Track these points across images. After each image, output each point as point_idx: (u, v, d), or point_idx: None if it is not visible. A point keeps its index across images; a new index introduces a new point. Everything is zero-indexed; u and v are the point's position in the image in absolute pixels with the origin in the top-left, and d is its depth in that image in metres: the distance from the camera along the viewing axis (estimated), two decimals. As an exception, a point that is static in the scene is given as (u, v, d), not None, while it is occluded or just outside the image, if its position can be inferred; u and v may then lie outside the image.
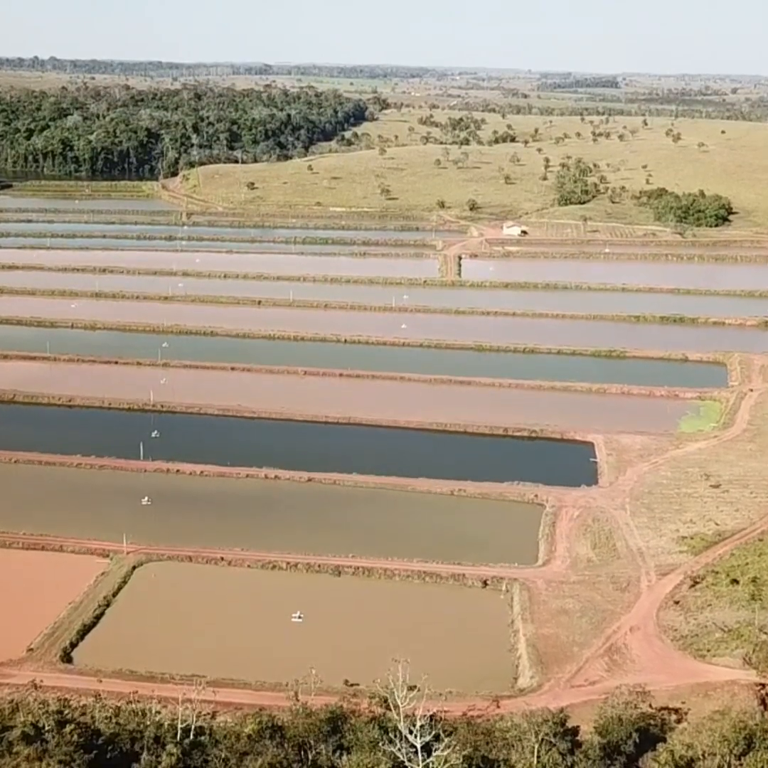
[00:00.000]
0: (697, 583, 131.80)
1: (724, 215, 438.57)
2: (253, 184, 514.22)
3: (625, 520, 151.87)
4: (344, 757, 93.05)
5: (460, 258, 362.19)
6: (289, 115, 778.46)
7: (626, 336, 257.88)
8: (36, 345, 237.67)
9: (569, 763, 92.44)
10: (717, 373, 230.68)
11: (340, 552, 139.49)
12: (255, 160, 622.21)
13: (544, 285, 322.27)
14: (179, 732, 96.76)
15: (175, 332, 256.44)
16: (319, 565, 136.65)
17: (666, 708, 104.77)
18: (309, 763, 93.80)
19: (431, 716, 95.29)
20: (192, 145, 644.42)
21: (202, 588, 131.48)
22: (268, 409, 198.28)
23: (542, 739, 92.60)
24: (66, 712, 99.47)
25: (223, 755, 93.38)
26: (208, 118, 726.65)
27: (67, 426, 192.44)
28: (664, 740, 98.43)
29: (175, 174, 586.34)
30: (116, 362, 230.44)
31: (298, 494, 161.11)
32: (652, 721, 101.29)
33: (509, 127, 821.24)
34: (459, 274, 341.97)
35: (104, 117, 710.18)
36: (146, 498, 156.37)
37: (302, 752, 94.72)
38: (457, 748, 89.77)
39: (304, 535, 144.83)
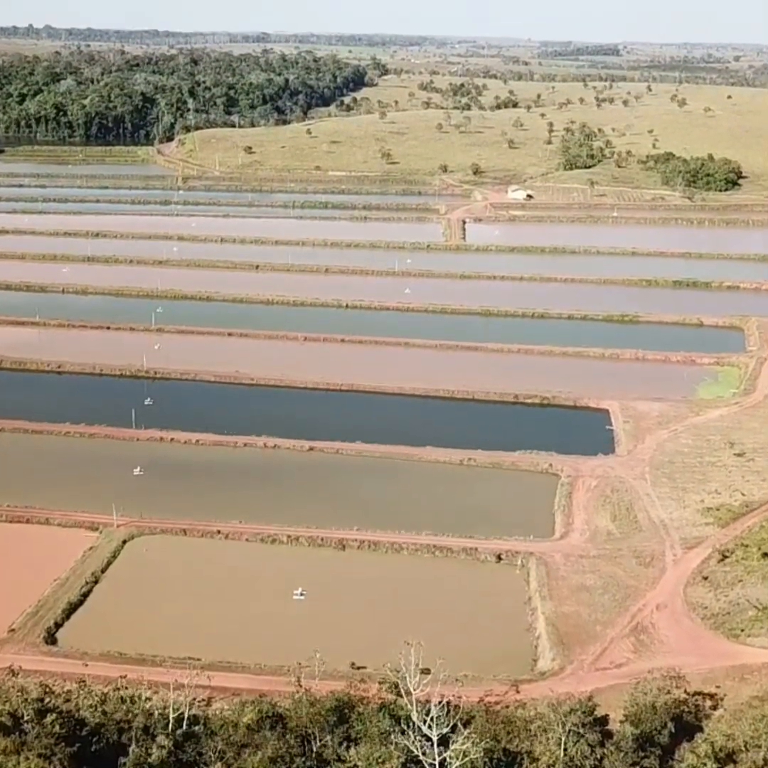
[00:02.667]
0: (726, 557, 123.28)
1: (733, 179, 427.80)
2: (250, 148, 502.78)
3: (646, 490, 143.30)
4: (352, 750, 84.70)
5: (464, 222, 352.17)
6: (287, 80, 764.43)
7: (638, 300, 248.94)
8: (25, 310, 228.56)
9: (599, 756, 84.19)
10: (734, 338, 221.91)
11: (345, 525, 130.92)
12: (252, 125, 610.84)
13: (552, 249, 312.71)
14: (171, 721, 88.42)
15: (170, 297, 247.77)
16: (322, 539, 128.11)
17: (700, 693, 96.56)
18: (313, 755, 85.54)
19: (446, 703, 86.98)
20: (188, 110, 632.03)
21: (196, 563, 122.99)
22: (267, 376, 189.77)
23: (569, 730, 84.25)
24: (47, 700, 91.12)
25: (219, 747, 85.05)
26: (204, 82, 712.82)
27: (56, 393, 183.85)
28: (700, 729, 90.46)
29: (170, 139, 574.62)
30: (108, 327, 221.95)
31: (299, 464, 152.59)
32: (685, 708, 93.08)
33: (511, 92, 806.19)
34: (463, 238, 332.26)
35: (98, 81, 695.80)
36: (138, 468, 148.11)
37: (306, 743, 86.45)
38: (477, 740, 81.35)
39: (306, 507, 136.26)
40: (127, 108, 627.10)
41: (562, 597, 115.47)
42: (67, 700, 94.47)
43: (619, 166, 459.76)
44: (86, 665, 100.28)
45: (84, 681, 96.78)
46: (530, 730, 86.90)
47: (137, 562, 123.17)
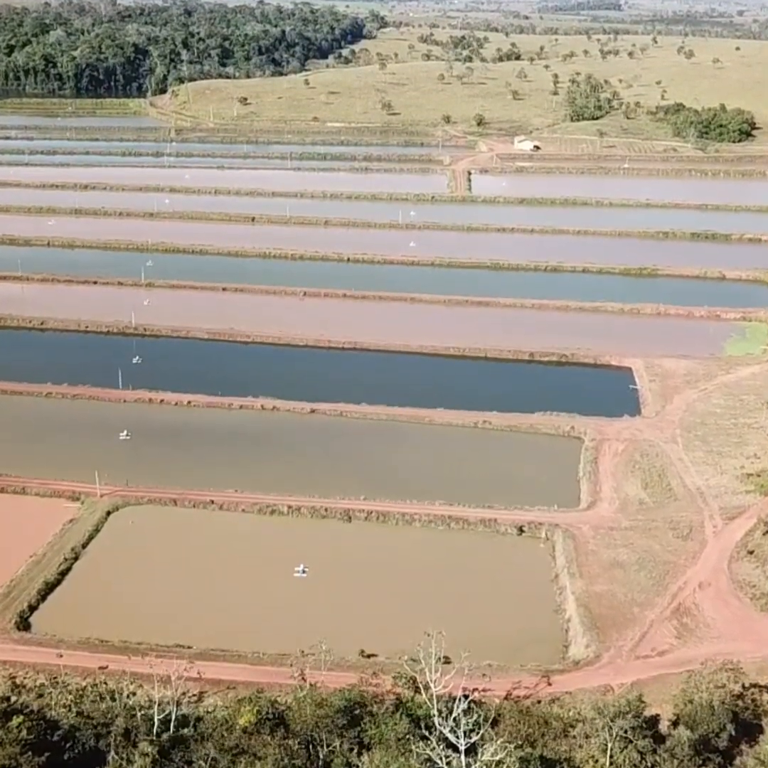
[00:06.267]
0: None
1: (747, 130, 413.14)
2: (245, 99, 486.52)
3: (678, 454, 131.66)
4: (365, 757, 73.57)
5: (469, 173, 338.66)
6: (283, 32, 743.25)
7: (655, 253, 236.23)
8: (6, 264, 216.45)
9: (650, 764, 72.96)
10: (759, 293, 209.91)
11: (350, 494, 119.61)
12: (248, 77, 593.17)
13: (562, 201, 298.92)
14: (156, 723, 77.16)
15: (161, 250, 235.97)
16: (325, 509, 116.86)
17: (756, 685, 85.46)
18: (320, 763, 74.35)
19: (471, 701, 75.81)
20: (182, 62, 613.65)
21: (188, 538, 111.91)
22: (264, 333, 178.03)
23: (616, 735, 72.92)
24: (14, 699, 79.90)
25: (210, 755, 73.88)
26: (198, 33, 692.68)
27: (37, 351, 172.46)
28: (760, 729, 79.43)
29: (163, 91, 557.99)
30: (95, 282, 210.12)
31: (300, 427, 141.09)
32: (740, 703, 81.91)
33: (513, 45, 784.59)
34: (469, 189, 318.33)
35: (89, 33, 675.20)
36: (125, 432, 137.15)
37: (311, 749, 75.20)
38: (510, 748, 69.99)
39: (308, 475, 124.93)
40: (118, 59, 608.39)
41: (593, 574, 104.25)
42: (40, 696, 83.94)
43: (628, 118, 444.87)
44: (61, 655, 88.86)
45: (56, 676, 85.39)
46: (567, 733, 75.63)
47: (122, 536, 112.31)
